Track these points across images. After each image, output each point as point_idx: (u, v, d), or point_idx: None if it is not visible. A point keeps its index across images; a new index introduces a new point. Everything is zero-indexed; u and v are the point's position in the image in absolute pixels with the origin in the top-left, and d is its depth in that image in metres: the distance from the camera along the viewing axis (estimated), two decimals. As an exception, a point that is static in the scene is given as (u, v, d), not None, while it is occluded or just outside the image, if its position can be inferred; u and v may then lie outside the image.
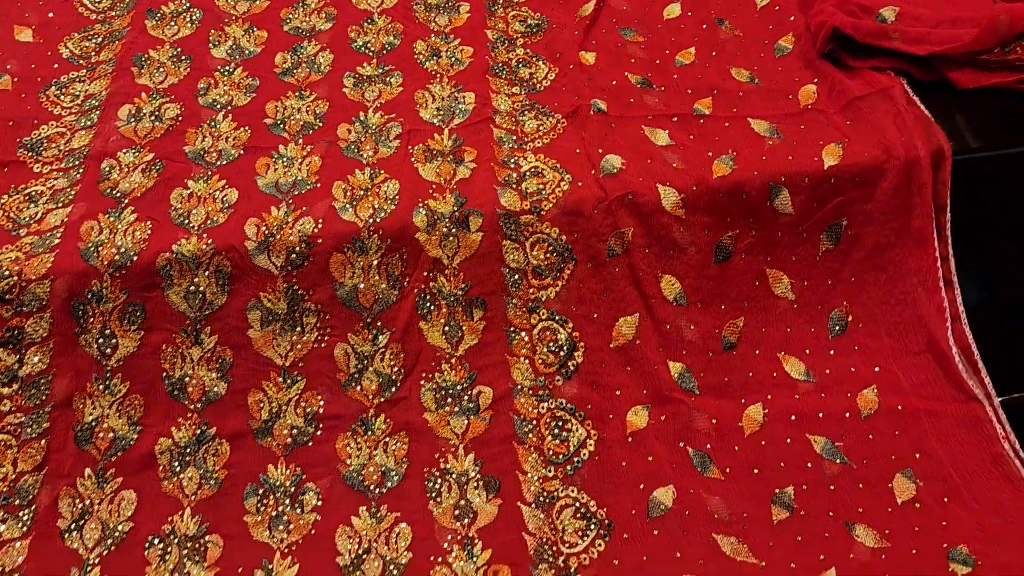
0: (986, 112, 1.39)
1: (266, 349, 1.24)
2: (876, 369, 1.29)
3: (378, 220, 1.25)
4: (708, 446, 1.23)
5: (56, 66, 1.48)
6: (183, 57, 1.49)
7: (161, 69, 1.46)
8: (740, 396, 1.27)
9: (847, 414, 1.25)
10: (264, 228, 1.23)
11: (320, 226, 1.24)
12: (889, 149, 1.31)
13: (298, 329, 1.24)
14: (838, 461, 1.20)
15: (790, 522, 1.16)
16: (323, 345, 1.25)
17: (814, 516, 1.17)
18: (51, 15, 1.57)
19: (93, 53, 1.50)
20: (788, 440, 1.23)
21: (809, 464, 1.21)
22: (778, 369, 1.29)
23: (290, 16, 1.57)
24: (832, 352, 1.31)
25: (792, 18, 1.52)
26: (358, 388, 1.23)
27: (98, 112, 1.39)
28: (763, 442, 1.23)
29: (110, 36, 1.52)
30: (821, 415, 1.25)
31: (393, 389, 1.24)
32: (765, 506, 1.18)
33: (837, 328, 1.32)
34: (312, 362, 1.24)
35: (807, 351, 1.31)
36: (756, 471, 1.21)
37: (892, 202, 1.32)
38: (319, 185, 1.29)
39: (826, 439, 1.22)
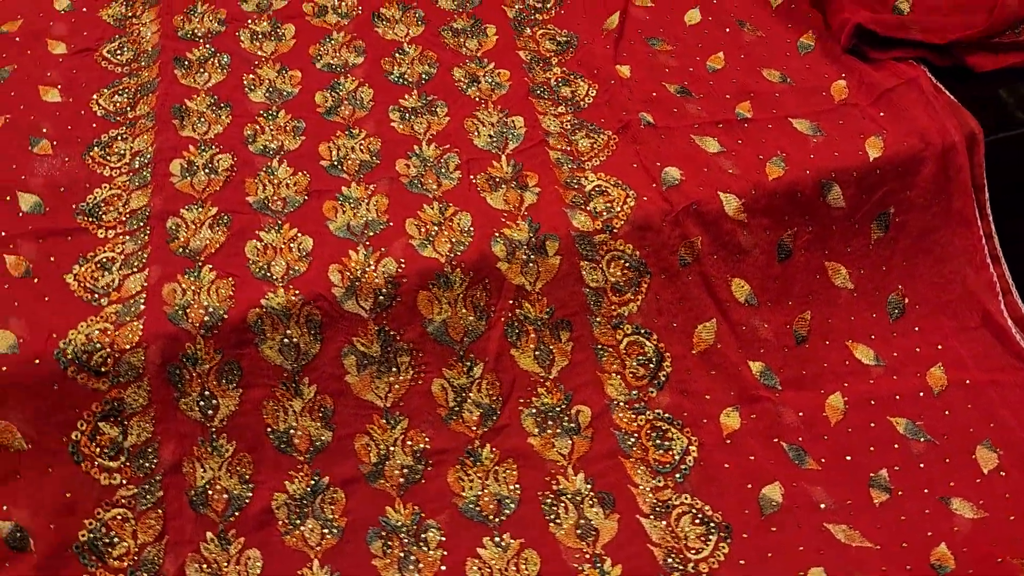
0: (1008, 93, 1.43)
1: (365, 393, 1.22)
2: (939, 347, 1.33)
3: (458, 253, 1.24)
4: (800, 439, 1.25)
5: (94, 125, 1.42)
6: (221, 104, 1.44)
7: (202, 119, 1.42)
8: (819, 387, 1.29)
9: (920, 393, 1.29)
10: (348, 273, 1.21)
11: (403, 265, 1.22)
12: (925, 137, 1.35)
13: (394, 369, 1.23)
14: (922, 440, 1.24)
15: (891, 503, 1.19)
16: (420, 383, 1.23)
17: (911, 495, 1.20)
18: (75, 72, 1.50)
19: (128, 108, 1.44)
20: (872, 424, 1.26)
21: (896, 445, 1.24)
22: (849, 357, 1.33)
23: (320, 53, 1.53)
24: (895, 335, 1.35)
25: (809, 15, 1.55)
26: (460, 421, 1.23)
27: (149, 169, 1.34)
28: (849, 429, 1.26)
29: (141, 89, 1.47)
30: (897, 397, 1.29)
31: (495, 418, 1.23)
32: (864, 490, 1.21)
33: (896, 312, 1.36)
34: (412, 400, 1.23)
35: (872, 336, 1.34)
36: (848, 458, 1.24)
37: (933, 187, 1.36)
38: (391, 224, 1.28)
39: (907, 420, 1.26)
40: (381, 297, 1.21)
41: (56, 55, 1.53)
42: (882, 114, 1.40)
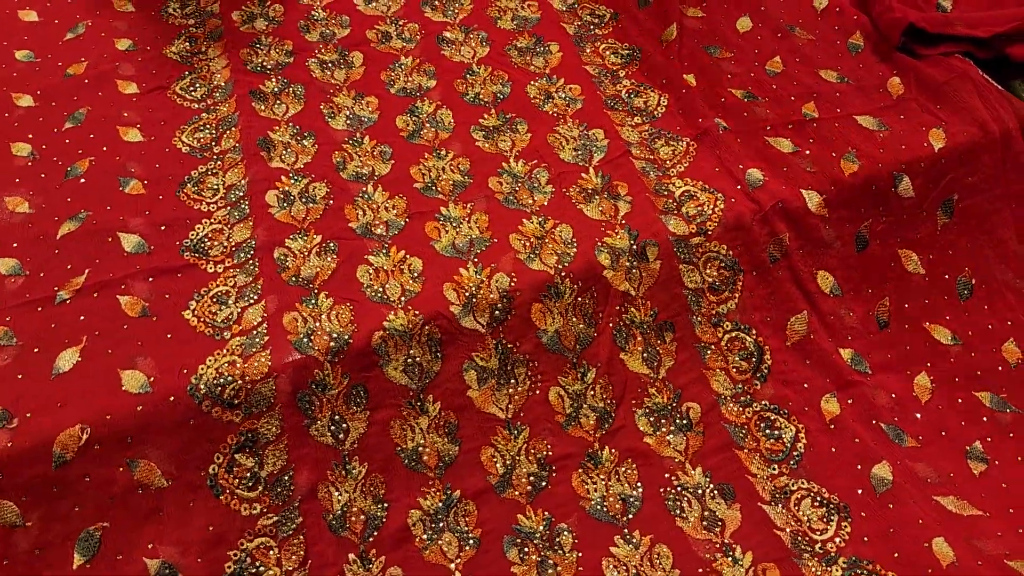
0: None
1: (488, 406, 1.22)
2: (1009, 323, 1.36)
3: (566, 264, 1.25)
4: (895, 419, 1.27)
5: (181, 162, 1.40)
6: (305, 134, 1.43)
7: (289, 149, 1.40)
8: (905, 368, 1.32)
9: (999, 367, 1.32)
10: (464, 290, 1.21)
11: (515, 279, 1.23)
12: (984, 126, 1.39)
13: (512, 381, 1.23)
14: (1008, 411, 1.27)
15: (990, 472, 1.22)
16: (537, 392, 1.23)
17: (1007, 463, 1.23)
18: (150, 111, 1.47)
19: (213, 143, 1.42)
20: (959, 400, 1.29)
21: (985, 418, 1.27)
22: (928, 338, 1.35)
23: (392, 79, 1.52)
24: (967, 314, 1.37)
25: (855, 17, 1.57)
26: (578, 426, 1.23)
27: (247, 202, 1.33)
28: (939, 406, 1.29)
29: (223, 123, 1.45)
30: (979, 373, 1.31)
31: (610, 420, 1.24)
32: (962, 463, 1.23)
33: (965, 292, 1.38)
34: (531, 410, 1.23)
35: (947, 317, 1.37)
36: (943, 433, 1.26)
37: (993, 172, 1.39)
38: (496, 240, 1.28)
39: (991, 393, 1.29)
40: (497, 312, 1.21)
41: (128, 95, 1.50)
42: (939, 107, 1.43)
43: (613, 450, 1.23)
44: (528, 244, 1.26)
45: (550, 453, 1.22)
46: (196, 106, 1.49)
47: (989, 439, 1.25)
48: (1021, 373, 1.32)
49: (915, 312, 1.37)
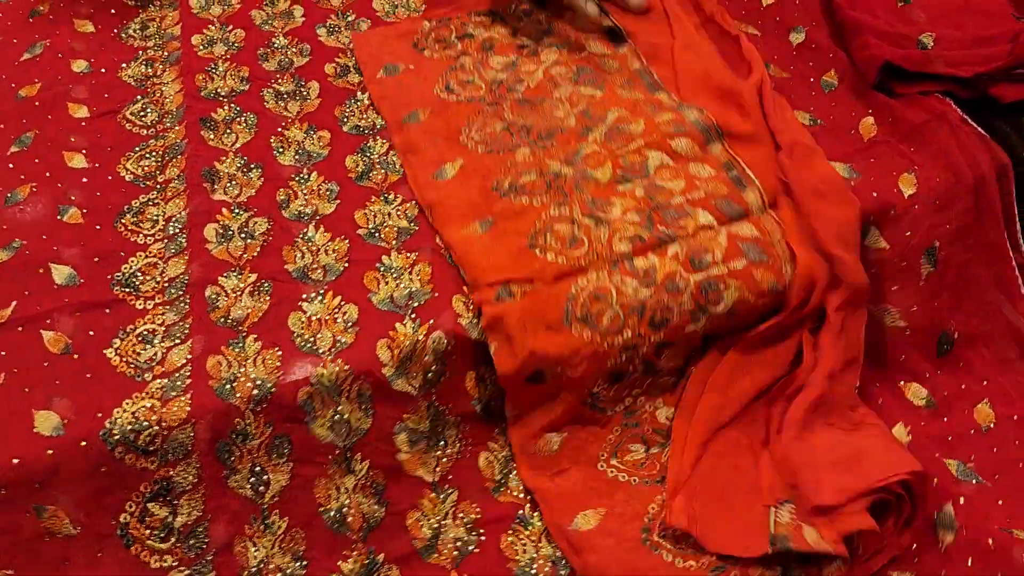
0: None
1: (416, 469, 1.16)
2: (984, 382, 1.28)
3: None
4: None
5: (123, 190, 1.34)
6: (252, 166, 1.37)
7: (234, 181, 1.34)
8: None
9: (971, 431, 1.23)
10: (397, 349, 1.14)
11: (453, 340, 1.16)
12: (958, 171, 1.31)
13: (442, 443, 1.16)
14: (974, 482, 1.18)
15: (958, 543, 1.13)
16: (466, 457, 1.19)
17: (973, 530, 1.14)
18: (99, 136, 1.42)
19: (157, 172, 1.37)
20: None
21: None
22: (902, 399, 1.27)
23: (346, 115, 1.46)
24: (941, 373, 1.29)
25: (831, 55, 1.49)
26: (507, 490, 1.16)
27: (184, 235, 1.27)
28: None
29: (169, 151, 1.39)
30: (949, 438, 1.23)
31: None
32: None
33: (945, 347, 1.30)
34: (460, 473, 1.18)
35: (926, 376, 1.29)
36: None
37: (966, 220, 1.31)
38: (437, 295, 1.20)
39: (959, 461, 1.20)
40: (430, 374, 1.14)
41: (78, 119, 1.45)
42: (913, 150, 1.35)
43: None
44: (470, 307, 1.19)
45: (479, 517, 1.15)
46: (145, 132, 1.43)
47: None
48: (992, 438, 1.23)
49: (892, 371, 1.29)
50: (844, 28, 1.48)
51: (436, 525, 1.14)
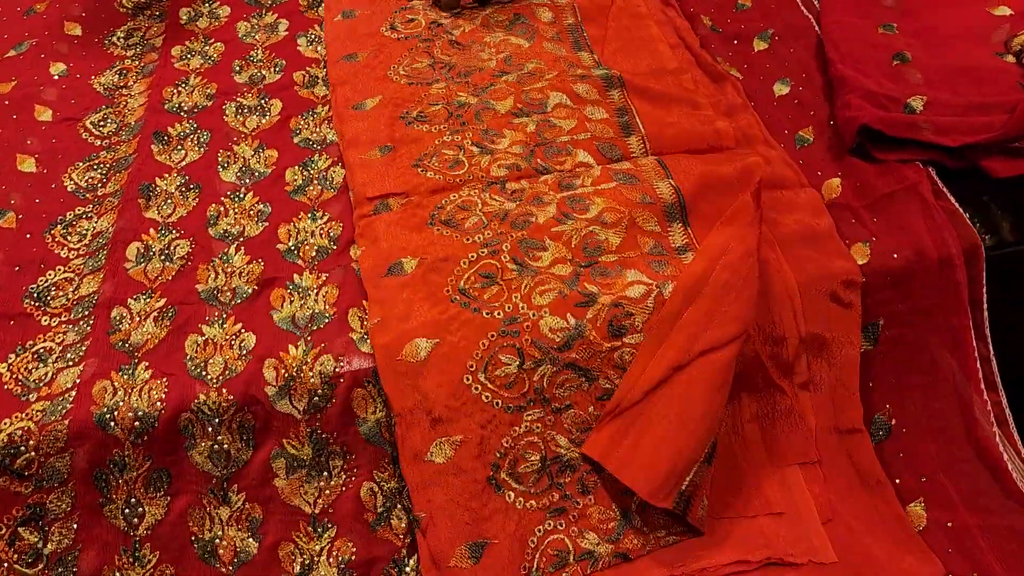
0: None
1: (294, 498, 1.09)
2: (923, 479, 1.15)
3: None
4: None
5: (62, 200, 1.32)
6: (191, 186, 1.33)
7: (169, 200, 1.30)
8: None
9: (898, 532, 1.11)
10: (284, 371, 1.08)
11: (341, 364, 1.09)
12: (919, 247, 1.19)
13: (325, 474, 1.10)
14: (897, 586, 1.06)
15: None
16: (350, 487, 1.11)
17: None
18: (54, 141, 1.40)
19: (99, 185, 1.34)
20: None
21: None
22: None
23: (300, 127, 1.41)
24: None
25: (812, 113, 1.38)
26: (388, 528, 1.09)
27: (106, 252, 1.24)
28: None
29: (116, 165, 1.36)
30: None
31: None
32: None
33: (881, 433, 1.18)
34: (341, 506, 1.10)
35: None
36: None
37: (926, 302, 1.19)
38: (335, 317, 1.14)
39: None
40: (316, 398, 1.08)
41: (40, 122, 1.44)
42: (875, 220, 1.23)
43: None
44: (366, 324, 1.13)
45: (353, 558, 1.08)
46: (99, 143, 1.40)
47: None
48: (924, 539, 1.11)
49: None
50: (833, 84, 1.36)
51: (308, 562, 1.08)
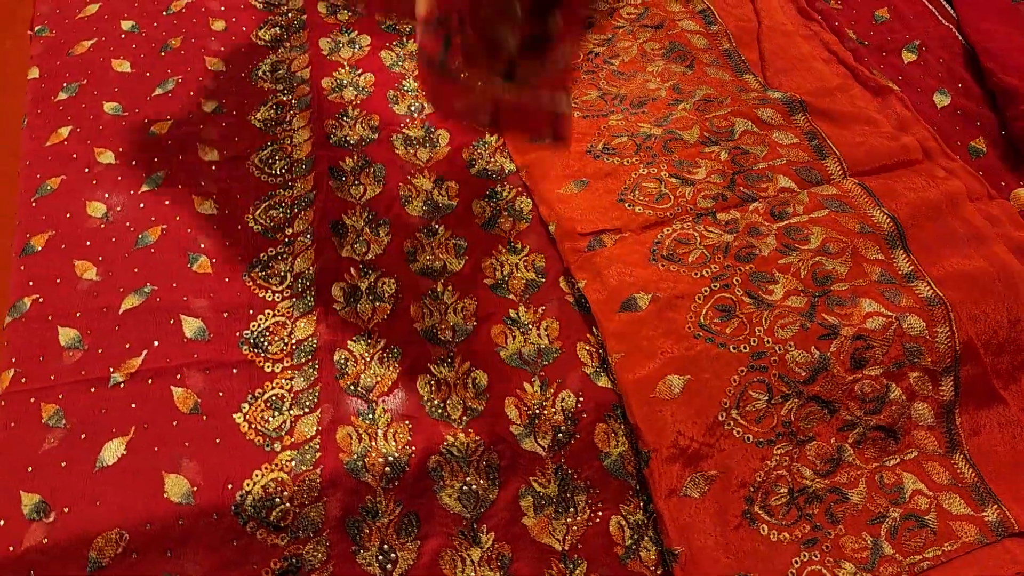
0: None
1: (543, 536, 1.06)
2: None
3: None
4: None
5: (252, 242, 1.27)
6: (380, 221, 1.28)
7: (361, 237, 1.26)
8: None
9: None
10: (526, 408, 1.05)
11: (582, 400, 1.06)
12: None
13: (571, 509, 1.06)
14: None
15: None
16: (597, 522, 1.07)
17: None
18: (228, 181, 1.35)
19: (286, 224, 1.29)
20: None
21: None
22: None
23: (474, 158, 1.37)
24: None
25: (979, 123, 1.36)
26: (638, 560, 1.06)
27: (312, 294, 1.19)
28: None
29: (297, 203, 1.31)
30: None
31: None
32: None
33: None
34: (590, 541, 1.06)
35: None
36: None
37: None
38: (563, 352, 1.11)
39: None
40: (560, 435, 1.05)
41: (208, 161, 1.38)
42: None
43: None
44: (597, 356, 1.10)
45: None
46: (273, 180, 1.35)
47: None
48: None
49: None
50: (998, 95, 1.34)
51: (564, 596, 1.05)
